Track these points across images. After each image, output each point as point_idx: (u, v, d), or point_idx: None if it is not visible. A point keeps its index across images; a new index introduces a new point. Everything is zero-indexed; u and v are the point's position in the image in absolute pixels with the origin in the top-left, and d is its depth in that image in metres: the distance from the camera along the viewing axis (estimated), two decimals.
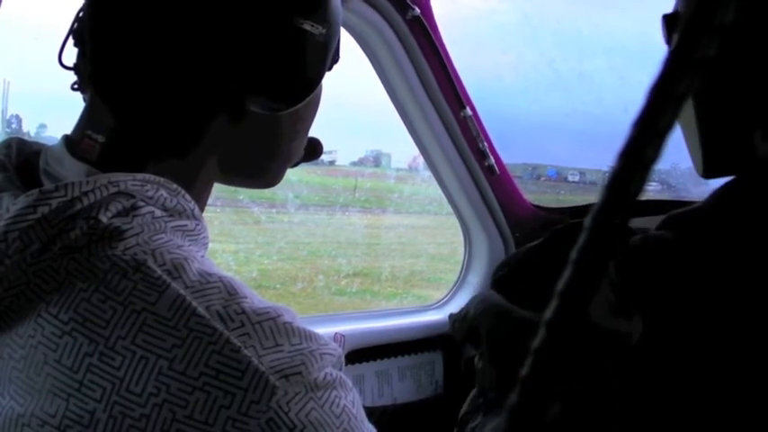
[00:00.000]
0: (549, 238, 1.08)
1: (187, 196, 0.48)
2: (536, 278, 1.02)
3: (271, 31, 0.48)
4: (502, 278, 1.04)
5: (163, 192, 0.46)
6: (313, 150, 0.63)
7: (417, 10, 1.22)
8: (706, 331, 0.54)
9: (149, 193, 0.45)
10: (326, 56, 0.52)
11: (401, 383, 1.37)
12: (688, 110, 0.63)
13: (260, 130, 0.53)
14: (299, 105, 0.52)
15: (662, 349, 0.55)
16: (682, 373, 0.54)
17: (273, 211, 3.04)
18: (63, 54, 0.53)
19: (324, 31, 0.51)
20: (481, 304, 0.93)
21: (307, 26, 0.49)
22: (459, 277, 1.54)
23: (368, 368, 1.32)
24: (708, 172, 0.65)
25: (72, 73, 0.53)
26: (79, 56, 0.52)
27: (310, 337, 0.43)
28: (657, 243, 0.59)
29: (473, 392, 0.89)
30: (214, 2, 0.47)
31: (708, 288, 0.55)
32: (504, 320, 0.89)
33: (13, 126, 1.79)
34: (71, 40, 0.52)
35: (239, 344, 0.40)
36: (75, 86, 0.53)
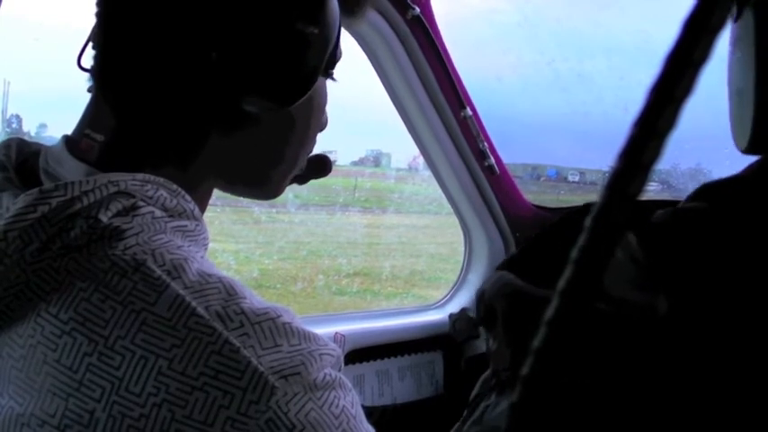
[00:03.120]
0: (558, 222, 1.07)
1: (187, 197, 0.48)
2: (547, 259, 1.01)
3: (265, 30, 0.48)
4: (512, 259, 1.03)
5: (163, 192, 0.46)
6: (321, 166, 0.62)
7: (417, 9, 1.22)
8: (741, 309, 0.51)
9: (149, 193, 0.45)
10: (320, 56, 0.52)
11: (401, 383, 1.37)
12: (747, 74, 0.58)
13: (259, 136, 0.53)
14: (293, 105, 0.52)
15: (690, 329, 0.52)
16: (711, 354, 0.51)
17: (274, 210, 3.05)
18: (82, 57, 0.53)
19: (316, 31, 0.50)
20: (497, 284, 0.92)
21: (299, 26, 0.49)
22: (459, 277, 1.54)
23: (368, 368, 1.32)
24: (753, 146, 0.60)
25: (78, 74, 0.53)
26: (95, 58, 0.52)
27: (309, 337, 0.43)
28: (690, 215, 0.55)
29: (485, 375, 0.89)
30: (216, 3, 0.47)
31: (745, 262, 0.51)
32: (521, 299, 0.88)
33: (14, 126, 1.79)
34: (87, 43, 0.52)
35: (238, 344, 0.40)
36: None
